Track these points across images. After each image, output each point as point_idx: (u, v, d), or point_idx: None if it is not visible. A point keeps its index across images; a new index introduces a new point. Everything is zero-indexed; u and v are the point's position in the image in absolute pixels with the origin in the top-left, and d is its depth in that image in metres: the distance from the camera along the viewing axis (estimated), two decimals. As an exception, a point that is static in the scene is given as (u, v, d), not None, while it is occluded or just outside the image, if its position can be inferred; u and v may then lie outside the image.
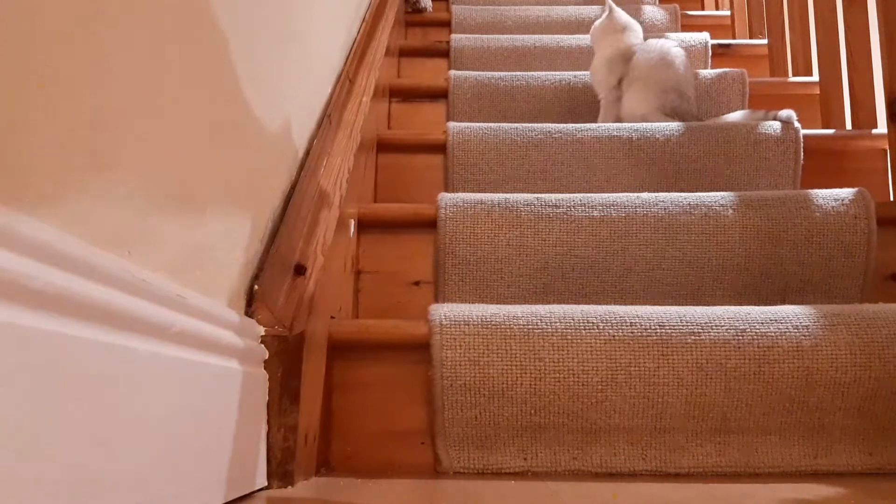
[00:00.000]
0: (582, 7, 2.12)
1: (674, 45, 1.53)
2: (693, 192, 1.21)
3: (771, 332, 0.86)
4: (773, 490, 0.75)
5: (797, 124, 1.36)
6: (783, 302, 1.05)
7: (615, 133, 1.37)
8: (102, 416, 0.40)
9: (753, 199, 1.14)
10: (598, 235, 1.11)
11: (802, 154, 1.35)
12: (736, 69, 1.64)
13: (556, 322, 0.87)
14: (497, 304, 0.93)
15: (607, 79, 1.55)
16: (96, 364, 0.39)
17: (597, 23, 1.63)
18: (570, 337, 0.86)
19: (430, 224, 1.13)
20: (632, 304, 0.94)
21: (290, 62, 0.95)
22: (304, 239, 0.87)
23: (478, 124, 1.40)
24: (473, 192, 1.34)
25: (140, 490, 0.44)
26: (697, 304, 0.98)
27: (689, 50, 1.85)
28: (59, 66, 0.40)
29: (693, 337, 0.86)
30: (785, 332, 0.86)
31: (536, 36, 1.90)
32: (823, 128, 1.55)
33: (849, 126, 1.48)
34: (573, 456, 0.87)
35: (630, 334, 0.86)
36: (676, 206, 1.13)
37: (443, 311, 0.89)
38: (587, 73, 1.64)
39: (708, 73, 1.64)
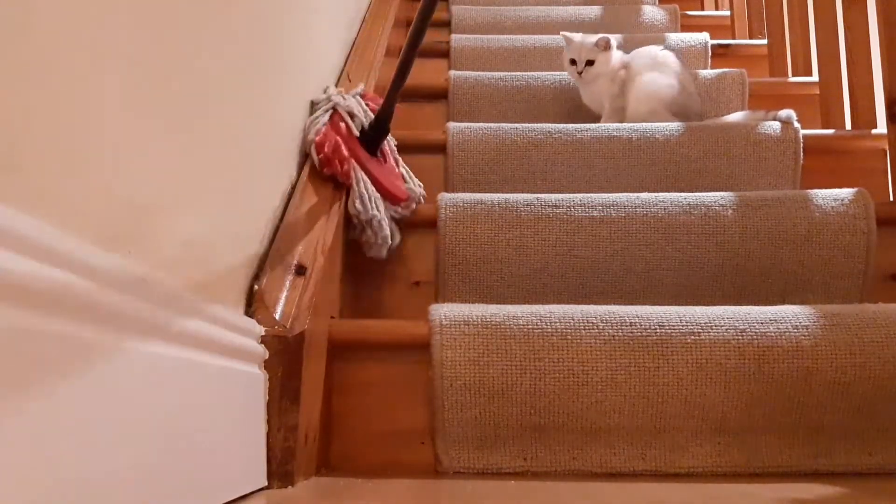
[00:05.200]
0: (581, 7, 2.12)
1: (660, 48, 1.55)
2: (693, 192, 1.21)
3: (770, 332, 0.86)
4: (773, 490, 0.75)
5: (797, 124, 1.36)
6: (783, 302, 1.05)
7: (615, 133, 1.37)
8: (101, 416, 0.40)
9: (753, 199, 1.14)
10: (598, 236, 1.11)
11: (802, 154, 1.35)
12: (736, 69, 1.64)
13: (555, 322, 0.87)
14: (497, 304, 0.93)
15: (610, 90, 1.55)
16: (95, 364, 0.39)
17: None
18: (569, 337, 0.86)
19: (430, 224, 1.13)
20: (632, 304, 0.94)
21: (290, 62, 0.95)
22: (304, 239, 0.87)
23: (478, 124, 1.40)
24: (473, 192, 1.34)
25: (139, 490, 0.44)
26: (697, 305, 0.98)
27: (688, 50, 1.85)
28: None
29: (693, 337, 0.86)
30: (784, 332, 0.86)
31: (536, 36, 1.90)
32: (823, 128, 1.55)
33: (848, 126, 1.48)
34: (573, 456, 0.87)
35: (630, 334, 0.86)
36: (676, 207, 1.13)
37: (443, 312, 0.89)
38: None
39: (708, 73, 1.64)
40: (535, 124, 1.39)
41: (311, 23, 1.08)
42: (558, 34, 1.93)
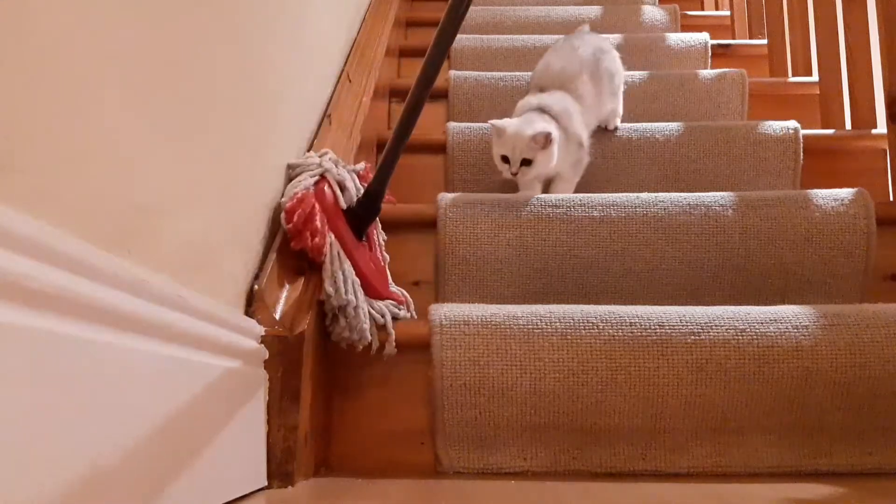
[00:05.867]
0: (581, 7, 2.12)
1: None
2: (693, 192, 1.21)
3: (771, 332, 0.86)
4: (772, 490, 0.75)
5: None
6: (783, 302, 1.05)
7: (615, 133, 1.37)
8: (101, 415, 0.40)
9: (753, 199, 1.14)
10: (598, 236, 1.11)
11: (802, 154, 1.35)
12: (735, 69, 1.64)
13: (555, 322, 0.87)
14: (497, 304, 0.93)
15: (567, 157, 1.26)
16: (96, 364, 0.39)
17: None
18: (569, 337, 0.86)
19: (430, 224, 1.13)
20: (631, 304, 0.94)
21: (290, 63, 0.95)
22: (304, 239, 0.87)
23: (478, 124, 1.40)
24: (473, 192, 1.34)
25: (139, 489, 0.44)
26: (697, 305, 0.98)
27: (688, 50, 1.85)
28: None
29: (693, 337, 0.86)
30: (785, 332, 0.86)
31: (536, 36, 1.90)
32: (823, 128, 1.55)
33: (848, 126, 1.48)
34: (573, 456, 0.87)
35: (630, 334, 0.86)
36: (676, 207, 1.13)
37: (443, 311, 0.89)
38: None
39: (708, 73, 1.64)
40: (535, 124, 1.38)
41: (312, 18, 1.08)
42: (558, 34, 1.92)
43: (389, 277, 0.99)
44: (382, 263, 0.97)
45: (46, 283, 0.36)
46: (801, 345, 0.85)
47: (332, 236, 0.85)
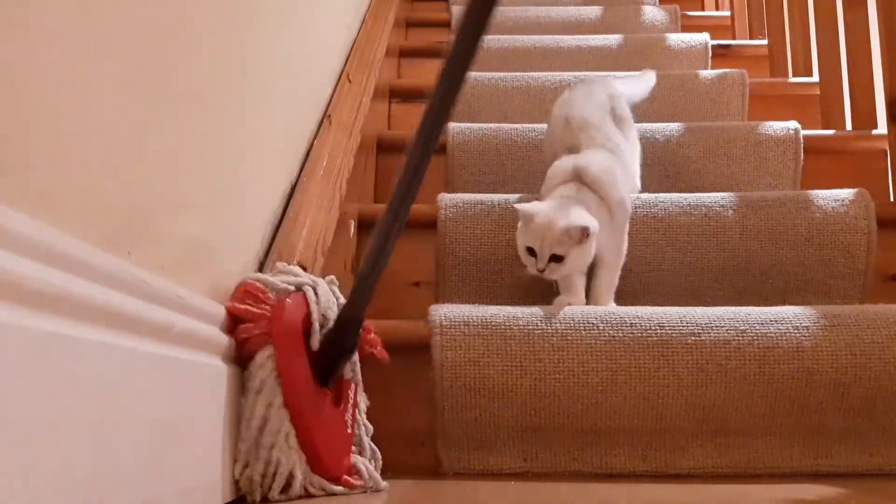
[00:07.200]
0: (582, 8, 2.12)
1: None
2: (693, 192, 1.21)
3: (771, 332, 0.86)
4: (773, 491, 0.75)
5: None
6: (783, 303, 1.04)
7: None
8: (100, 416, 0.40)
9: (753, 199, 1.14)
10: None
11: (803, 154, 1.35)
12: (736, 70, 1.64)
13: (556, 323, 0.87)
14: (497, 304, 0.92)
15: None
16: (95, 365, 0.39)
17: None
18: (570, 337, 0.86)
19: (430, 224, 1.13)
20: (632, 304, 0.94)
21: (290, 64, 0.95)
22: (303, 240, 0.87)
23: (478, 125, 1.40)
24: (473, 192, 1.33)
25: (138, 490, 0.44)
26: (698, 305, 0.98)
27: (689, 51, 1.84)
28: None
29: (693, 338, 0.86)
30: (785, 332, 0.86)
31: (536, 36, 1.90)
32: (823, 128, 1.55)
33: (849, 126, 1.48)
34: (573, 457, 0.87)
35: (630, 335, 0.86)
36: (676, 207, 1.13)
37: (443, 312, 0.89)
38: (587, 73, 1.63)
39: (708, 73, 1.64)
40: (535, 125, 1.38)
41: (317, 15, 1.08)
42: (558, 34, 1.92)
43: (365, 435, 0.75)
44: (349, 429, 0.71)
45: (47, 284, 0.35)
46: (801, 345, 0.85)
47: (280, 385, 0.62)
